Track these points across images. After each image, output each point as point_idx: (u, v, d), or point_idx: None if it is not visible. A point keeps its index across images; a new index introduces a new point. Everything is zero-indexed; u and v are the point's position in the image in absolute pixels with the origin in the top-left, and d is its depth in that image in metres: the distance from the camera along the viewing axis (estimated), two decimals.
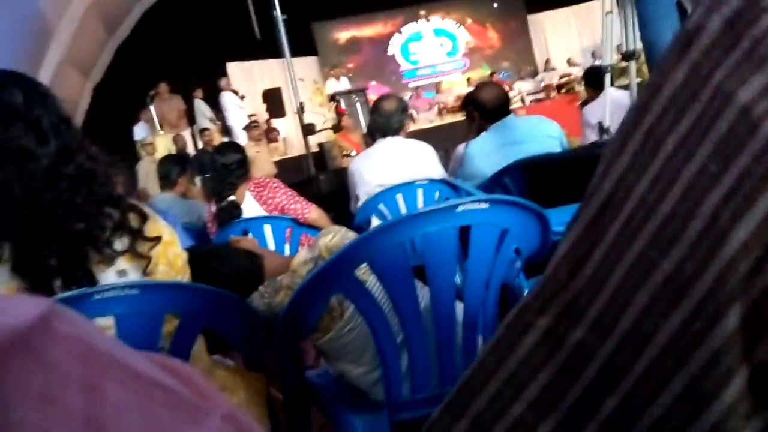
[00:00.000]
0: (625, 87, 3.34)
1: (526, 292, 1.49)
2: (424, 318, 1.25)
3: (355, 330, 1.31)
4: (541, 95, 10.86)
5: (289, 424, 1.36)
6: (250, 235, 2.49)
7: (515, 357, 0.32)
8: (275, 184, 2.71)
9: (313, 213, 2.65)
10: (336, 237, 1.34)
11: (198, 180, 4.17)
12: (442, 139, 5.79)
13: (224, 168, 2.67)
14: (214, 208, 2.71)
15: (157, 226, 1.10)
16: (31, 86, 1.04)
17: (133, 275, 1.06)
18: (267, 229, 2.60)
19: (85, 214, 1.02)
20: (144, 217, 1.09)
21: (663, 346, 0.26)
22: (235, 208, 2.60)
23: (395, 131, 2.75)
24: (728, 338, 0.24)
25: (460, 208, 1.14)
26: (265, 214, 2.65)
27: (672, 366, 0.26)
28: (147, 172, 5.75)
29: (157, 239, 1.09)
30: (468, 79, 12.76)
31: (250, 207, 2.66)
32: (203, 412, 0.26)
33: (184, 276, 1.14)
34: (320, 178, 4.53)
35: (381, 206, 2.61)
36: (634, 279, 0.27)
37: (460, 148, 3.16)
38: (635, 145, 0.28)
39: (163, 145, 8.28)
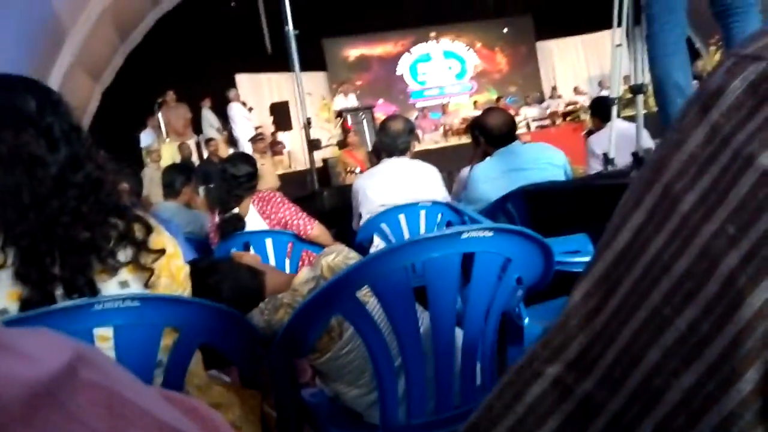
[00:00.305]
0: (631, 118, 3.35)
1: (526, 321, 1.49)
2: (423, 342, 1.25)
3: (354, 351, 1.31)
4: (547, 122, 10.92)
5: None
6: (252, 250, 2.49)
7: (522, 404, 0.32)
8: (279, 199, 2.71)
9: (315, 229, 2.65)
10: (339, 257, 1.34)
11: (202, 190, 4.18)
12: (447, 161, 5.82)
13: (233, 179, 2.67)
14: (217, 218, 2.71)
15: (161, 238, 1.10)
16: (44, 93, 1.05)
17: (135, 287, 1.05)
18: (268, 243, 2.60)
19: (90, 223, 1.02)
20: (149, 229, 1.09)
21: (674, 404, 0.26)
22: (239, 220, 2.60)
23: (401, 152, 2.77)
24: (743, 401, 0.24)
25: (465, 236, 1.15)
26: (268, 228, 2.65)
27: (683, 425, 0.26)
28: (151, 179, 5.76)
29: (161, 252, 1.09)
30: (475, 102, 12.84)
31: (253, 220, 2.66)
32: None
33: (185, 289, 1.13)
34: (324, 194, 4.54)
35: (383, 226, 2.61)
36: (646, 335, 0.27)
37: (465, 171, 3.17)
38: (653, 200, 0.28)
39: (169, 153, 8.31)
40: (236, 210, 2.65)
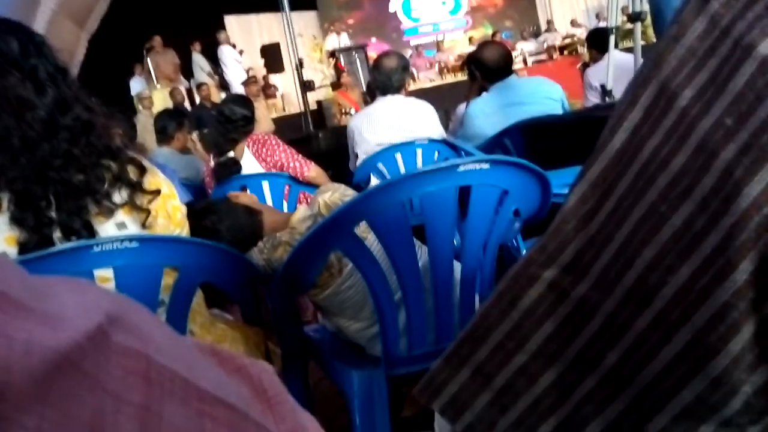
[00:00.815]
0: (630, 50, 3.28)
1: (523, 252, 1.51)
2: (421, 276, 1.26)
3: (353, 287, 1.32)
4: (544, 56, 10.72)
5: (287, 377, 1.38)
6: (249, 192, 2.49)
7: (519, 309, 0.32)
8: (274, 142, 2.68)
9: (312, 171, 2.64)
10: (335, 194, 1.33)
11: (195, 135, 4.13)
12: (443, 99, 5.73)
13: (229, 122, 2.62)
14: (212, 163, 2.69)
15: (156, 179, 1.09)
16: (27, 35, 1.02)
17: (132, 228, 1.06)
18: (265, 185, 2.59)
19: (83, 166, 1.01)
20: (143, 170, 1.08)
21: (668, 300, 0.26)
22: (235, 164, 2.58)
23: (396, 89, 2.72)
24: (737, 291, 0.24)
25: (461, 168, 1.14)
26: (263, 171, 2.64)
27: (677, 320, 0.26)
28: (144, 126, 5.70)
29: (156, 192, 1.08)
30: (470, 38, 12.57)
31: (249, 163, 2.65)
32: None
33: (182, 229, 1.14)
34: (319, 136, 4.50)
35: (380, 165, 2.60)
36: (642, 233, 0.27)
37: (461, 108, 3.13)
38: (649, 98, 0.28)
39: (160, 99, 8.18)
40: (232, 153, 2.63)
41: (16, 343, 0.17)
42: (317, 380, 2.24)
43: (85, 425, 0.17)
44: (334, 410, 2.07)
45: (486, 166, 1.15)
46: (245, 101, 2.85)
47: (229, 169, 2.57)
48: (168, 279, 1.06)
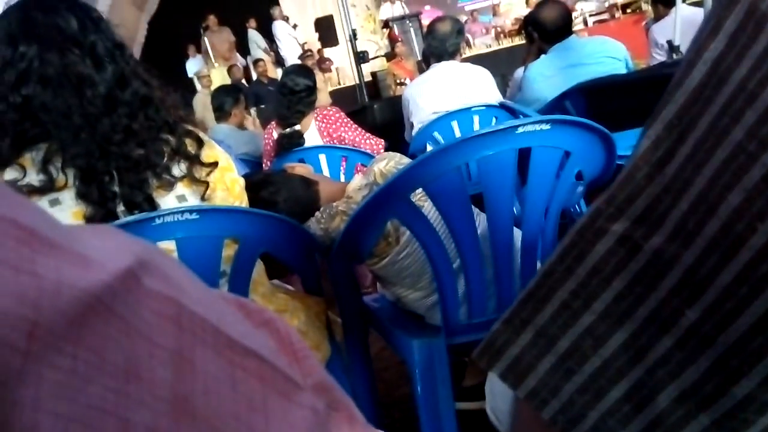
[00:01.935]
0: (698, 4, 3.09)
1: None
2: (481, 244, 1.23)
3: (411, 255, 1.31)
4: (605, 15, 10.25)
5: (348, 346, 1.40)
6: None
7: (585, 266, 0.29)
8: (344, 119, 2.69)
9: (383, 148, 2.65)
10: (391, 162, 1.32)
11: (254, 111, 4.19)
12: (500, 65, 5.60)
13: (292, 94, 2.64)
14: (275, 134, 2.71)
15: (213, 151, 1.11)
16: (85, 11, 1.04)
17: (192, 200, 1.07)
18: (322, 159, 2.60)
19: (143, 140, 1.03)
20: (200, 143, 1.09)
21: (758, 250, 0.23)
22: (299, 137, 2.60)
23: (451, 55, 2.67)
24: None
25: (520, 130, 1.10)
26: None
27: (766, 272, 0.23)
28: (204, 105, 5.82)
29: (214, 164, 1.10)
30: (527, 1, 12.16)
31: (312, 137, 2.66)
32: (296, 386, 0.23)
33: (242, 201, 1.15)
34: (374, 107, 4.48)
35: (436, 134, 2.56)
36: (726, 177, 0.24)
37: (519, 72, 3.04)
38: (735, 23, 0.24)
39: (219, 77, 8.32)
40: (297, 126, 2.65)
41: (45, 281, 0.16)
42: (378, 350, 2.26)
43: (120, 369, 0.17)
44: (397, 379, 2.08)
45: (546, 126, 1.10)
46: (307, 71, 2.85)
47: (293, 142, 2.59)
48: (229, 250, 1.07)
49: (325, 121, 2.65)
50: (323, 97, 7.12)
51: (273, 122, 2.81)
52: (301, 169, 1.48)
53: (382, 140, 2.66)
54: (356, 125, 2.70)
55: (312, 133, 2.66)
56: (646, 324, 0.28)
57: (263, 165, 2.83)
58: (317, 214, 1.30)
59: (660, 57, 3.51)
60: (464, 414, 1.54)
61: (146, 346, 0.18)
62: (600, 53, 2.67)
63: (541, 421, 0.35)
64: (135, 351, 0.18)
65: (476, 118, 2.55)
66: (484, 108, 2.56)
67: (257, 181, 1.32)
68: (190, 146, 1.08)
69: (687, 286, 0.26)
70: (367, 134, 2.67)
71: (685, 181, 0.26)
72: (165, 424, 0.18)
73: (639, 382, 0.28)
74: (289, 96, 2.64)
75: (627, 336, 0.28)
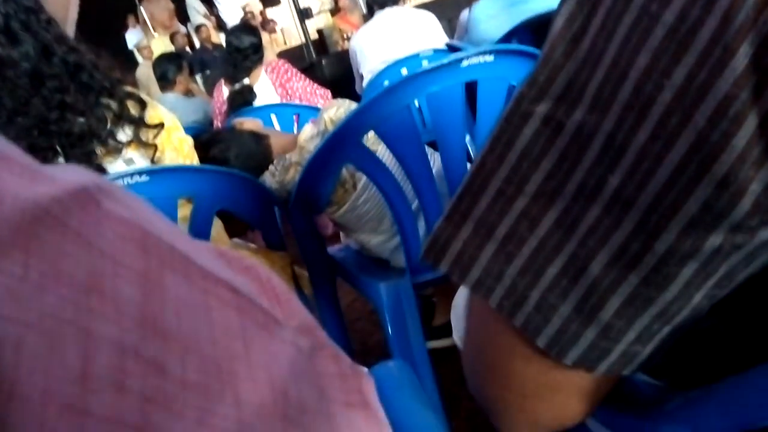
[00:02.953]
0: None
1: None
2: (437, 183, 1.25)
3: (370, 200, 1.32)
4: None
5: (318, 298, 1.41)
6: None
7: (515, 151, 0.30)
8: (294, 70, 2.70)
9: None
10: (340, 109, 1.31)
11: (199, 78, 4.08)
12: (445, 8, 5.52)
13: (238, 52, 2.64)
14: (225, 92, 2.69)
15: (156, 112, 1.08)
16: None
17: (141, 164, 1.05)
18: (274, 118, 2.57)
19: (81, 110, 0.99)
20: (143, 105, 1.06)
21: (667, 105, 0.24)
22: (250, 92, 2.59)
23: (394, 1, 2.63)
24: (736, 81, 0.22)
25: (465, 63, 1.10)
26: (279, 96, 2.66)
27: (677, 125, 0.24)
28: (148, 77, 5.62)
29: (160, 126, 1.07)
30: None
31: (265, 89, 2.65)
32: (276, 322, 0.22)
33: (192, 160, 1.13)
34: (322, 63, 4.41)
35: (386, 83, 2.54)
36: (633, 41, 0.25)
37: (464, 14, 3.01)
38: None
39: (160, 48, 8.01)
40: (246, 80, 2.63)
41: None
42: (350, 302, 2.28)
43: (81, 283, 0.16)
44: (370, 327, 2.12)
45: (490, 57, 1.11)
46: (251, 29, 2.85)
47: (244, 97, 2.58)
48: (184, 210, 1.06)
49: (275, 72, 2.66)
50: (270, 56, 6.96)
51: (220, 81, 2.78)
52: (249, 123, 1.46)
53: (329, 91, 2.65)
54: (304, 76, 2.71)
55: (263, 86, 2.65)
56: (575, 198, 0.29)
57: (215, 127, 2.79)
58: (271, 167, 1.29)
59: None
60: (437, 353, 1.58)
61: (110, 264, 0.17)
62: None
63: (489, 316, 0.36)
64: (97, 268, 0.17)
65: (425, 63, 2.53)
66: (432, 53, 2.54)
67: (207, 140, 1.30)
68: (133, 109, 1.05)
69: (608, 153, 0.27)
70: (316, 85, 2.68)
71: (599, 52, 0.27)
72: (131, 341, 0.17)
73: (573, 255, 0.30)
74: (236, 54, 2.63)
75: (559, 213, 0.30)
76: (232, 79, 2.66)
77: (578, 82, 0.28)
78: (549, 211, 0.30)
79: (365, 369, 0.26)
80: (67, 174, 0.19)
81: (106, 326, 0.16)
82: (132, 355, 0.17)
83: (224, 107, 2.69)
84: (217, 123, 2.75)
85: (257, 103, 2.62)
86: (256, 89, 2.62)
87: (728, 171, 0.24)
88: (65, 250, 0.16)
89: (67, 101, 0.97)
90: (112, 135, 1.02)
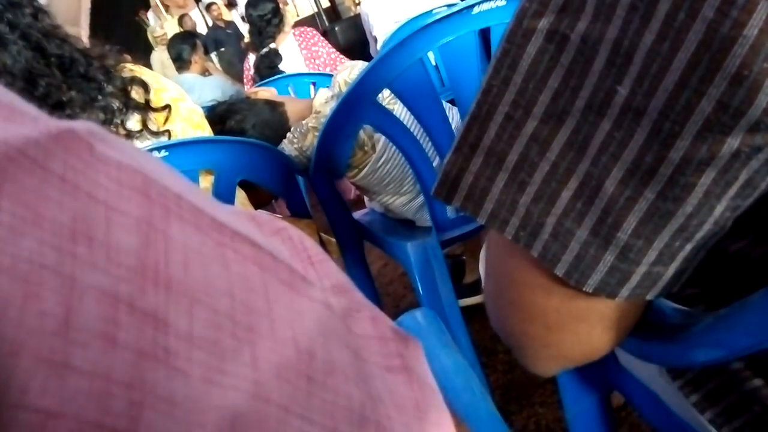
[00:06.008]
0: None
1: None
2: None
3: (390, 160, 1.31)
4: None
5: (346, 261, 1.41)
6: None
7: (520, 71, 0.29)
8: (320, 36, 2.79)
9: None
10: (354, 71, 1.29)
11: (214, 56, 4.07)
12: None
13: (260, 20, 2.70)
14: (252, 59, 2.76)
15: (160, 87, 1.07)
16: None
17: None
18: (290, 90, 2.56)
19: (81, 105, 0.94)
20: (146, 87, 1.04)
21: (673, 1, 0.23)
22: (276, 54, 2.65)
23: None
24: None
25: (476, 10, 1.07)
26: (304, 59, 2.71)
27: (686, 18, 0.23)
28: (162, 62, 5.63)
29: (167, 107, 1.06)
30: None
31: (291, 52, 2.71)
32: (304, 280, 0.20)
33: (204, 130, 1.13)
34: (335, 30, 4.35)
35: None
36: None
37: None
38: None
39: (173, 30, 8.04)
40: (273, 45, 2.69)
41: None
42: (380, 267, 2.30)
43: (64, 228, 0.15)
44: (402, 290, 2.13)
45: (502, 2, 1.07)
46: None
47: (271, 60, 2.64)
48: (205, 182, 1.07)
49: (302, 36, 2.75)
50: (285, 28, 6.95)
51: (248, 53, 2.88)
52: (263, 92, 1.46)
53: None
54: (328, 44, 2.79)
55: (288, 49, 2.71)
56: (584, 115, 0.28)
57: None
58: (288, 134, 1.28)
59: None
60: (470, 309, 1.58)
61: (101, 210, 0.16)
62: None
63: (506, 250, 0.35)
64: (85, 213, 0.16)
65: None
66: (445, 8, 2.48)
67: (222, 112, 1.30)
68: (137, 94, 1.03)
69: (615, 62, 0.26)
70: (341, 56, 2.76)
71: None
72: (126, 291, 0.15)
73: (586, 175, 0.29)
74: (258, 23, 2.70)
75: (569, 133, 0.29)
76: (258, 47, 2.73)
77: None
78: (559, 133, 0.28)
79: (412, 335, 0.25)
80: (60, 120, 0.17)
81: (95, 274, 0.15)
82: (126, 306, 0.15)
83: (250, 73, 2.77)
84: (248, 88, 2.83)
85: (282, 65, 2.70)
86: (281, 52, 2.68)
87: (741, 65, 0.22)
88: (46, 194, 0.15)
89: (65, 99, 0.92)
90: (122, 125, 1.01)
